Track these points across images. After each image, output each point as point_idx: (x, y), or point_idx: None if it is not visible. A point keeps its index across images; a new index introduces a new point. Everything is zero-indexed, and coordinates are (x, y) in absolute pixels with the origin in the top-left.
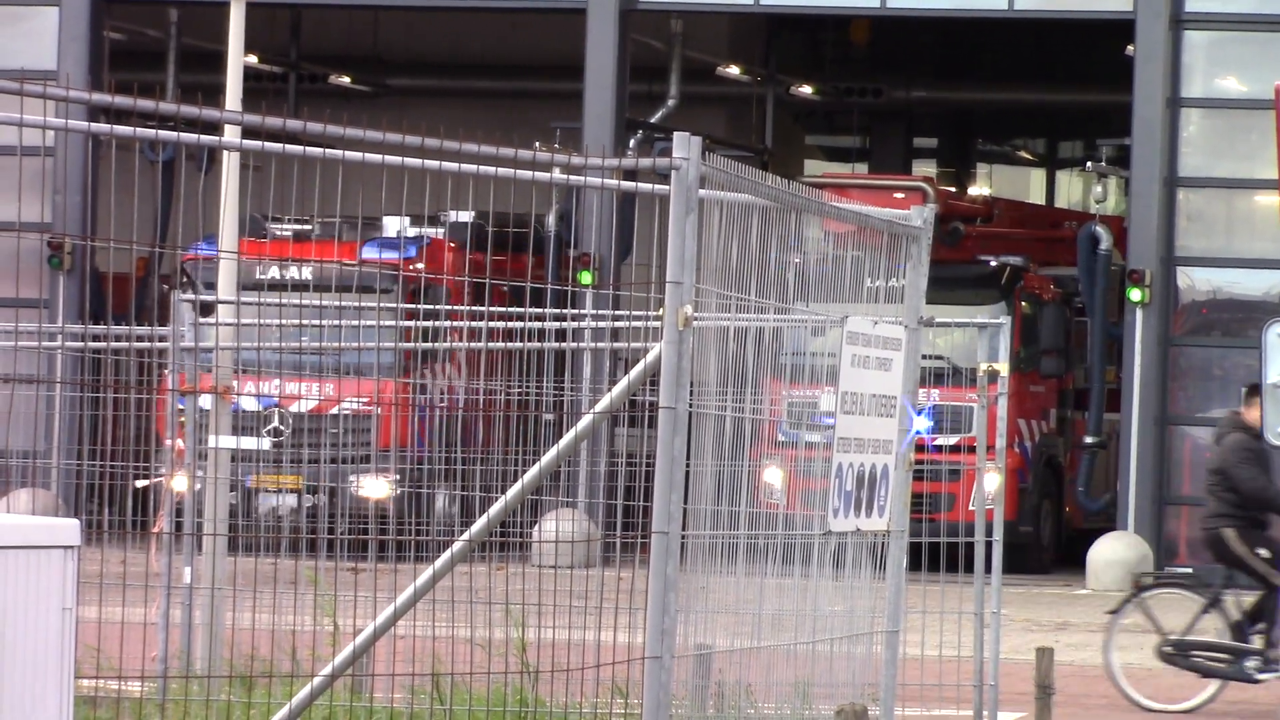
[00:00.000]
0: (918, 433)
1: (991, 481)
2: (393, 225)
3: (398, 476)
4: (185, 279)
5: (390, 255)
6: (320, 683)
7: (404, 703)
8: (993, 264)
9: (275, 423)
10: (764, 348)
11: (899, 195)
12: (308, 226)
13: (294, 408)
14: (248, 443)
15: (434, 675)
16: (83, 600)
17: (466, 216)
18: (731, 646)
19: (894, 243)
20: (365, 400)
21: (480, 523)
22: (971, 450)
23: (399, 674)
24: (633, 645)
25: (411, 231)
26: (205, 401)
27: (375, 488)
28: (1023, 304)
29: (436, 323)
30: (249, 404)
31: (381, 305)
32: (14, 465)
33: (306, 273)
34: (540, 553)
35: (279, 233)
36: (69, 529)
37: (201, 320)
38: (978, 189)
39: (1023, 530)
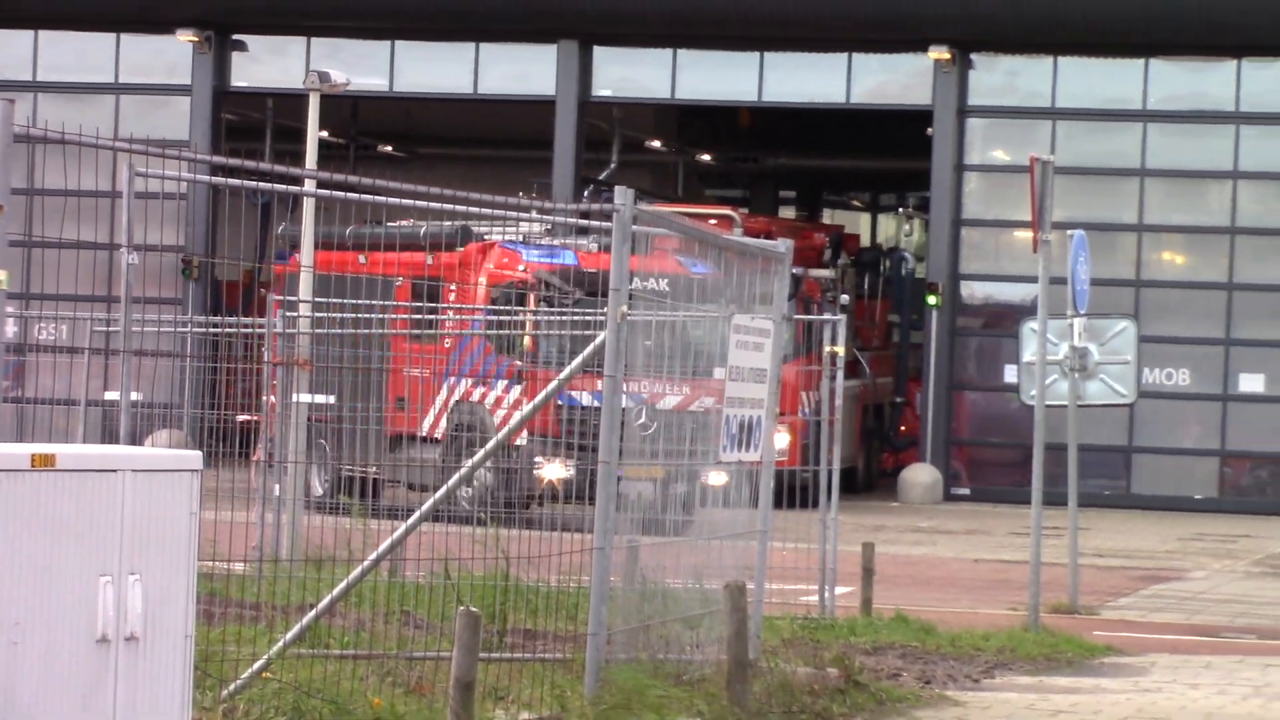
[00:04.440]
0: None
1: (782, 439)
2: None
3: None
4: None
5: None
6: (368, 565)
7: (425, 580)
8: None
9: (643, 418)
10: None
11: (712, 221)
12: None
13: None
14: (320, 398)
15: (445, 560)
16: (204, 507)
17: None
18: (652, 540)
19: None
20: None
21: (479, 457)
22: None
23: (423, 558)
24: (585, 539)
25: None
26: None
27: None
28: (802, 302)
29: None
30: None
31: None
32: (157, 413)
33: (664, 283)
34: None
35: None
36: (194, 458)
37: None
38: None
39: (804, 473)
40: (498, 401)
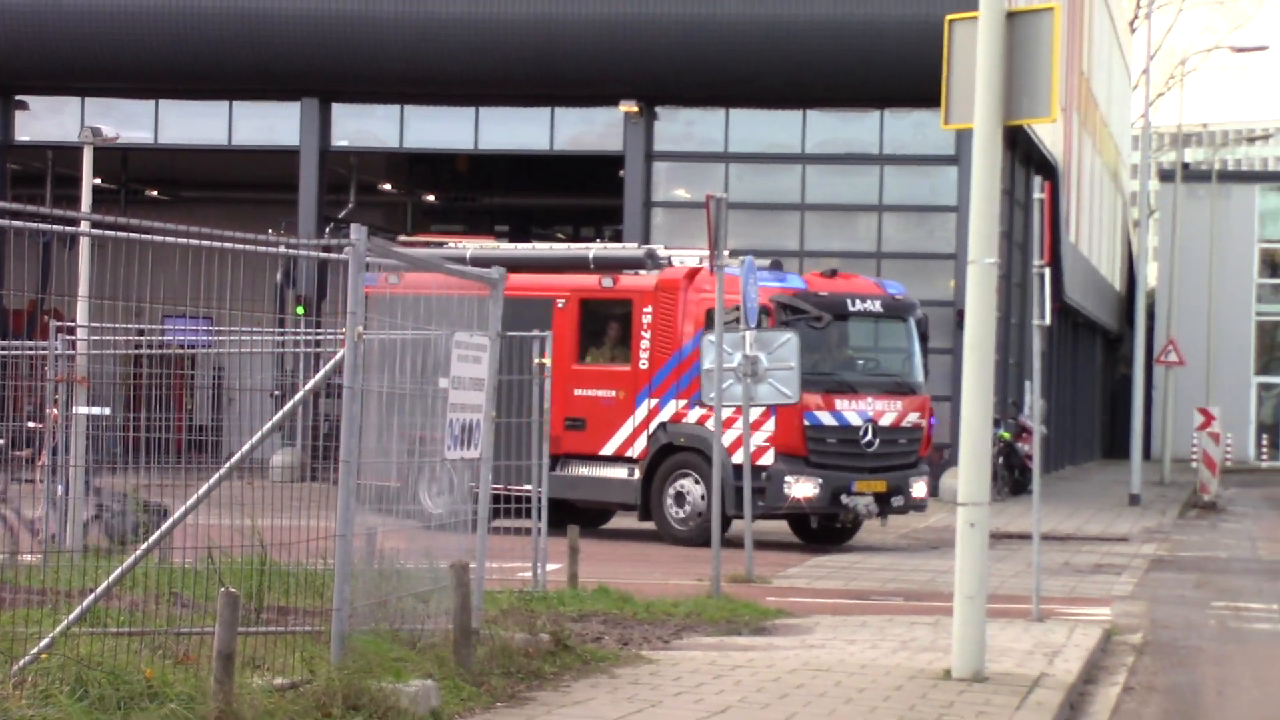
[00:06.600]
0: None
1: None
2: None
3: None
4: None
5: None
6: (140, 553)
7: (191, 566)
8: None
9: (869, 435)
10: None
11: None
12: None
13: (883, 421)
14: (95, 410)
15: (209, 548)
16: None
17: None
18: (387, 527)
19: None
20: (920, 414)
21: (236, 457)
22: None
23: (189, 546)
24: (329, 528)
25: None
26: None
27: (919, 488)
28: None
29: None
30: (854, 419)
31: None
32: None
33: (876, 304)
34: (278, 474)
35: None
36: None
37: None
38: None
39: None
40: (727, 422)
